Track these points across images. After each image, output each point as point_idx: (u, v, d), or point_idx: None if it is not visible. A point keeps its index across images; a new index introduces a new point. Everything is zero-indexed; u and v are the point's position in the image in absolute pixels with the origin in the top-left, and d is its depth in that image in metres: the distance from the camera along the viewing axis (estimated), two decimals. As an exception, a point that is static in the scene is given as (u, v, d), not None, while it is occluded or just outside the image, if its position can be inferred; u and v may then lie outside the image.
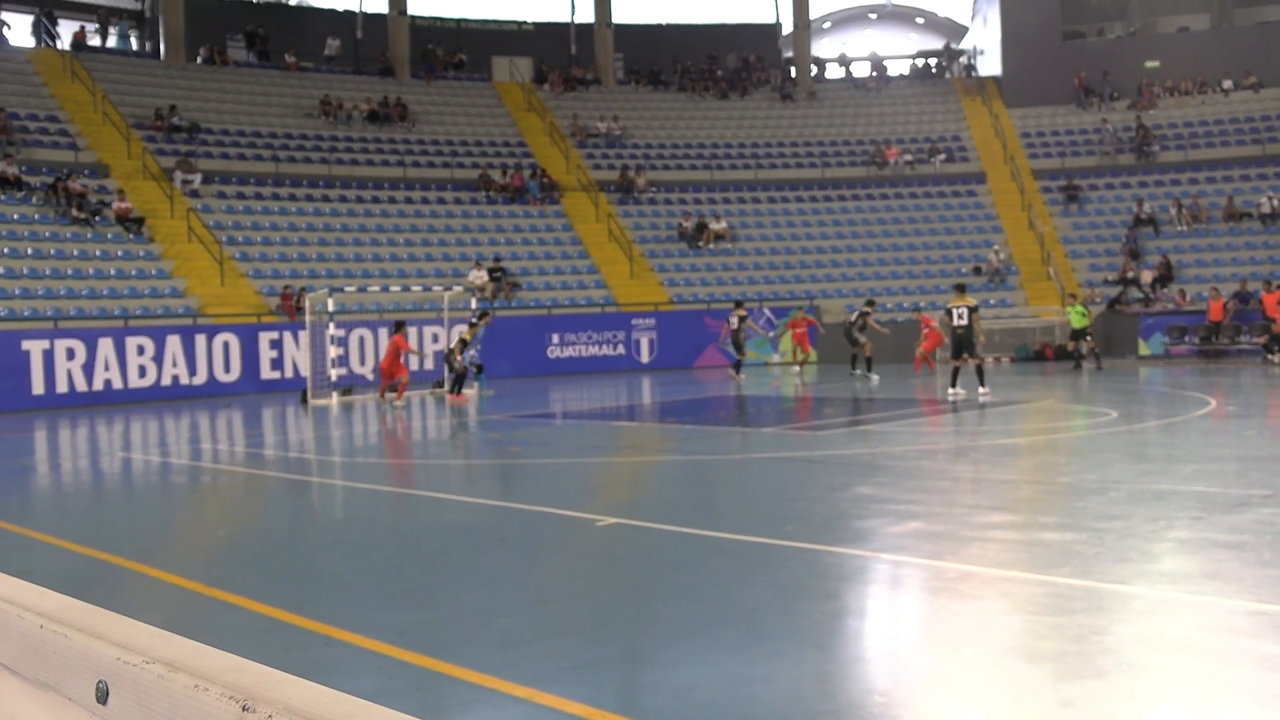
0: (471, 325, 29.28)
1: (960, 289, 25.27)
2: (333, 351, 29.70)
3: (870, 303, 33.43)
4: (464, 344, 28.79)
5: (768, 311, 39.82)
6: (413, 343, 33.70)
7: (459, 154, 46.58)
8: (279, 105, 46.59)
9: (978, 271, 42.81)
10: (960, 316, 24.50)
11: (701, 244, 44.11)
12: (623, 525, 10.91)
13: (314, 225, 40.43)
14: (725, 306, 39.09)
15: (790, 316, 36.42)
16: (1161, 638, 6.88)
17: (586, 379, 35.15)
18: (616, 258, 42.86)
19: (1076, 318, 34.62)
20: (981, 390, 24.61)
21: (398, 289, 33.72)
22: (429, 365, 34.14)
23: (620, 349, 38.58)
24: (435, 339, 34.79)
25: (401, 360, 28.35)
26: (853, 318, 33.41)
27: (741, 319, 33.52)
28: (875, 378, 31.15)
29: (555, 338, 37.80)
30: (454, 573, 9.17)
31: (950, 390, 24.58)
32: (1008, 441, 16.79)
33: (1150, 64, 52.45)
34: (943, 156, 49.20)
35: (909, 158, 49.28)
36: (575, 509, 11.86)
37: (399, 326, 29.03)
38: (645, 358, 38.87)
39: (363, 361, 33.76)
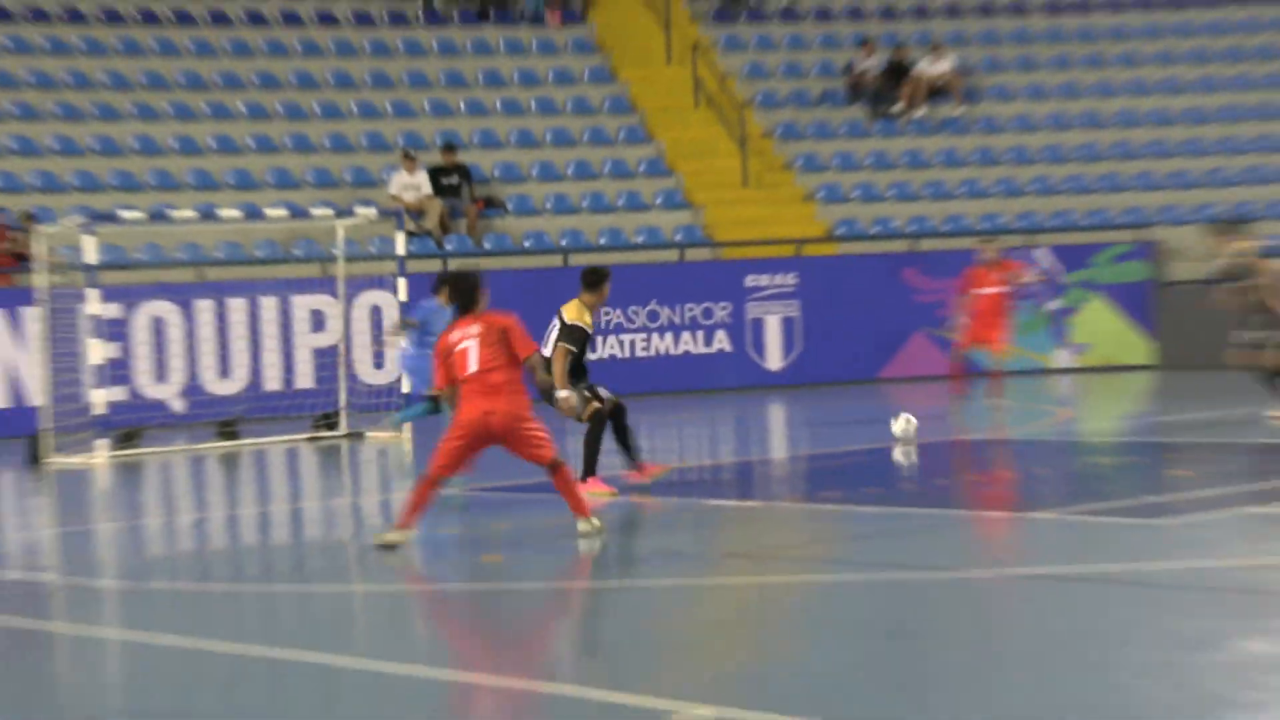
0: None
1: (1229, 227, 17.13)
2: (98, 352, 17.10)
3: None
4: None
5: (1039, 261, 22.87)
6: (271, 331, 19.80)
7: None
8: None
9: None
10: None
11: (899, 110, 26.59)
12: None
13: (50, 80, 23.69)
14: (954, 246, 23.09)
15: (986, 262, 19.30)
16: None
17: (644, 405, 18.89)
18: (713, 144, 25.54)
19: None
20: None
21: (233, 213, 19.75)
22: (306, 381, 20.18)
23: (720, 341, 22.65)
24: (318, 322, 20.37)
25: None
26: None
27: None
28: None
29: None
30: None
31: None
32: None
33: None
34: None
35: None
36: (627, 688, 6.74)
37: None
38: (774, 359, 22.82)
39: (164, 373, 19.80)
